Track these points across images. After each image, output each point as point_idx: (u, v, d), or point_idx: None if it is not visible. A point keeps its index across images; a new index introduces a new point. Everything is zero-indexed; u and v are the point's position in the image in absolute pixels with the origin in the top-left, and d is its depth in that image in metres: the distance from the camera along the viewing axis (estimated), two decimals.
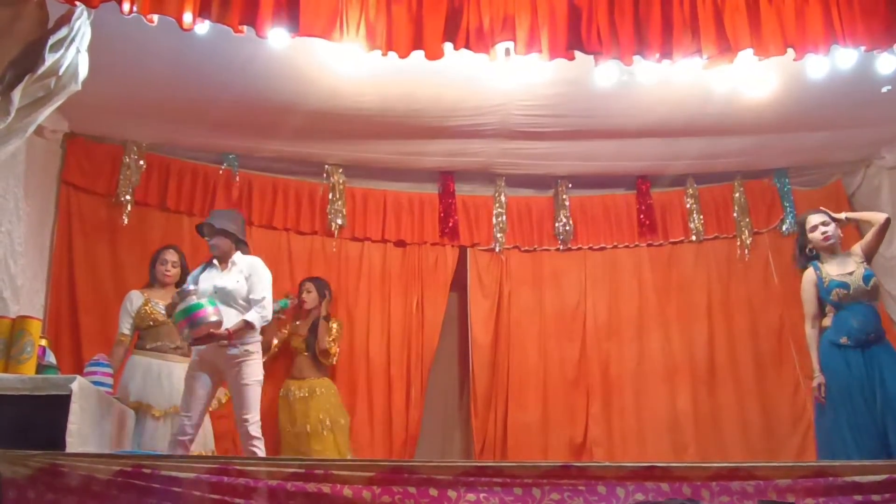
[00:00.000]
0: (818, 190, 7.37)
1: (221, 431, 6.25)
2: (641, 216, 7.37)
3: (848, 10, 4.44)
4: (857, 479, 3.27)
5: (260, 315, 5.07)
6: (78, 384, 3.84)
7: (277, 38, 4.29)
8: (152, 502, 3.27)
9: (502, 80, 5.20)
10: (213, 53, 5.15)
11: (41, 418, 3.73)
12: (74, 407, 3.77)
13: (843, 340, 4.92)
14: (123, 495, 3.27)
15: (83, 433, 3.86)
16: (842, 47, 4.58)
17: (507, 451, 6.73)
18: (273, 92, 5.73)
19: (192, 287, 5.07)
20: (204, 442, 5.56)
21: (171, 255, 5.86)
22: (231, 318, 5.02)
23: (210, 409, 5.41)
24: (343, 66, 5.00)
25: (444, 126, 6.26)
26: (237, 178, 6.91)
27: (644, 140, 6.64)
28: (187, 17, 3.99)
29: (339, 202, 7.07)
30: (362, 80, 5.36)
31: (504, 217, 7.29)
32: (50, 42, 3.88)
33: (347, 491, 3.28)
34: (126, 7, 3.96)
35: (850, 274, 5.03)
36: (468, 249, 7.28)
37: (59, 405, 3.75)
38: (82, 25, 4.07)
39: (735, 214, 7.37)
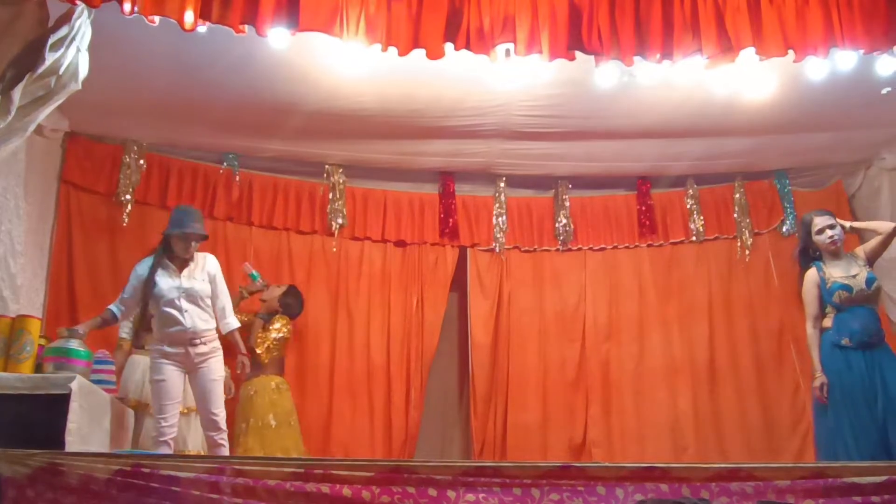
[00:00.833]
0: (818, 191, 7.38)
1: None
2: (642, 217, 7.37)
3: (848, 11, 4.44)
4: (856, 480, 3.26)
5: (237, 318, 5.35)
6: (77, 383, 3.84)
7: (278, 36, 4.30)
8: (151, 502, 3.26)
9: (503, 80, 5.20)
10: (213, 53, 5.15)
11: (40, 417, 3.73)
12: (74, 406, 3.77)
13: (845, 342, 4.92)
14: (122, 495, 3.27)
15: (82, 432, 3.86)
16: (842, 49, 4.58)
17: (506, 452, 6.73)
18: (273, 92, 5.74)
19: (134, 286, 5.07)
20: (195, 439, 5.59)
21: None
22: (197, 317, 5.08)
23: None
24: (343, 67, 5.00)
25: (444, 126, 6.26)
26: (237, 178, 6.91)
27: (644, 141, 6.64)
28: (188, 18, 3.99)
29: (340, 202, 7.07)
30: (363, 81, 5.37)
31: (504, 217, 7.28)
32: (50, 41, 3.88)
33: (347, 491, 3.28)
34: (127, 7, 3.95)
35: (854, 277, 5.02)
36: (468, 250, 7.28)
37: (58, 404, 3.75)
38: (83, 25, 4.07)
39: (735, 215, 7.37)
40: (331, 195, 7.07)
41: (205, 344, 5.09)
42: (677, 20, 4.38)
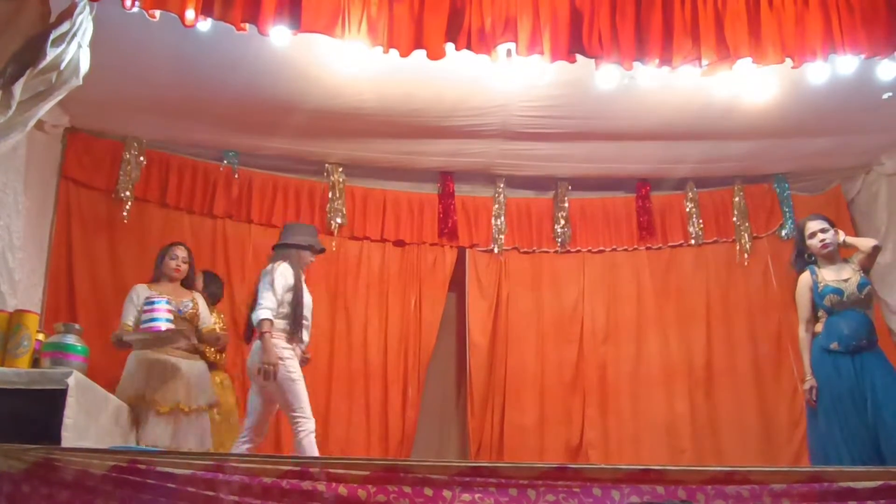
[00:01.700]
0: (817, 196, 7.39)
1: None
2: (641, 219, 7.37)
3: (849, 17, 4.45)
4: (851, 485, 3.26)
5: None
6: (74, 378, 3.84)
7: (279, 35, 4.30)
8: (147, 498, 3.26)
9: (503, 80, 5.21)
10: (214, 50, 5.16)
11: (37, 412, 3.73)
12: (70, 401, 3.77)
13: (834, 346, 4.93)
14: (118, 490, 3.26)
15: (79, 427, 3.86)
16: (842, 55, 4.59)
17: (503, 452, 6.72)
18: (274, 90, 5.74)
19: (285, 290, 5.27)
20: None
21: (182, 252, 5.68)
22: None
23: None
24: (345, 66, 4.99)
25: (444, 126, 6.26)
26: (237, 176, 6.91)
27: (644, 143, 6.65)
28: (189, 14, 4.00)
29: (339, 201, 7.07)
30: (363, 80, 5.38)
31: (503, 218, 7.29)
32: (52, 36, 3.89)
33: (342, 489, 3.28)
34: (128, 2, 3.96)
35: (846, 281, 5.04)
36: (467, 250, 7.28)
37: (55, 399, 3.75)
38: (84, 20, 4.07)
39: (734, 219, 7.37)
40: (330, 194, 7.07)
41: None
42: (677, 25, 4.40)
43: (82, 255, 6.34)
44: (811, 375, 5.00)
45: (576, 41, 4.36)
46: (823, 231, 5.14)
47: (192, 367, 5.46)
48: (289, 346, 5.25)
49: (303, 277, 5.45)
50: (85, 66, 4.19)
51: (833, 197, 7.31)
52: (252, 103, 5.97)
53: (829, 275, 5.08)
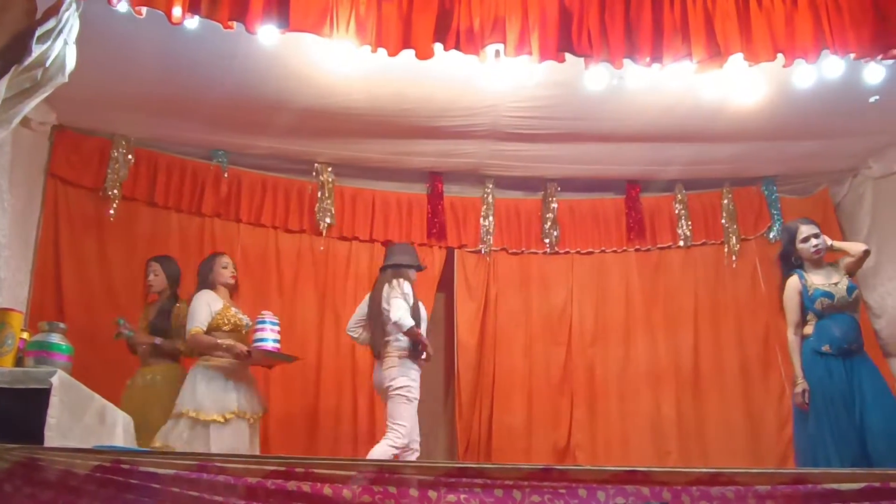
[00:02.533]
0: (805, 198, 7.41)
1: None
2: (630, 221, 7.38)
3: (837, 17, 4.46)
4: (836, 486, 3.26)
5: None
6: (58, 378, 3.81)
7: (267, 34, 4.29)
8: (131, 498, 3.23)
9: (493, 81, 5.19)
10: (203, 48, 5.14)
11: (20, 411, 3.69)
12: (54, 400, 3.73)
13: (826, 348, 4.97)
14: (101, 490, 3.23)
15: (62, 427, 3.82)
16: (831, 54, 4.60)
17: (491, 453, 6.72)
18: (264, 89, 5.72)
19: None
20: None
21: (231, 261, 5.88)
22: None
23: None
24: (334, 65, 4.97)
25: (433, 126, 6.25)
26: (226, 175, 6.89)
27: (633, 145, 6.66)
28: (176, 12, 3.99)
29: (328, 201, 7.06)
30: (353, 79, 5.37)
31: (492, 219, 7.29)
32: (37, 33, 3.84)
33: (328, 489, 3.26)
34: None
35: (835, 284, 5.08)
36: (455, 251, 7.28)
37: (38, 399, 3.71)
38: (70, 17, 4.04)
39: (723, 221, 7.39)
40: (319, 194, 7.06)
41: None
42: (667, 24, 4.40)
43: (69, 253, 6.30)
44: (803, 378, 5.03)
45: (565, 41, 4.36)
46: (816, 237, 5.18)
47: (250, 377, 5.69)
48: (416, 366, 5.73)
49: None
50: (71, 63, 4.15)
51: (821, 200, 7.34)
52: (241, 102, 5.95)
53: (818, 279, 5.12)
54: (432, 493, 3.27)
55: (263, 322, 5.57)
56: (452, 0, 4.30)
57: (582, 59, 4.55)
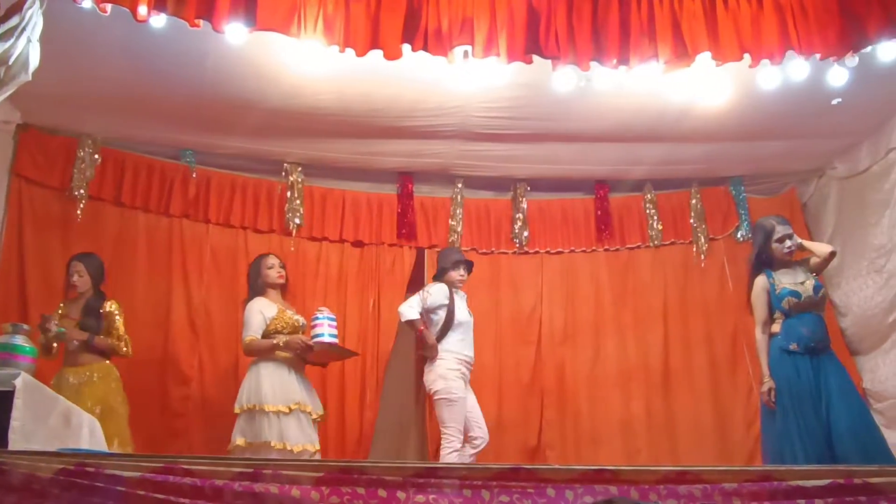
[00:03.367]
0: (772, 198, 7.48)
1: (177, 429, 6.35)
2: (599, 221, 7.41)
3: (802, 18, 4.51)
4: (801, 483, 3.30)
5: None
6: (22, 380, 3.76)
7: (235, 32, 4.27)
8: (96, 501, 3.20)
9: (461, 82, 5.20)
10: (170, 47, 5.10)
11: None
12: (17, 403, 3.68)
13: (793, 347, 5.02)
14: (65, 494, 3.20)
15: (26, 430, 3.77)
16: (797, 55, 4.65)
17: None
18: (232, 88, 5.69)
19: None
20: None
21: (277, 261, 6.02)
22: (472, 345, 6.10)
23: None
24: (302, 65, 4.97)
25: (402, 126, 6.24)
26: (195, 175, 6.83)
27: (602, 145, 6.69)
28: (142, 9, 3.96)
29: (298, 201, 7.02)
30: (322, 79, 5.35)
31: (461, 218, 7.29)
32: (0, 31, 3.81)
33: (295, 491, 3.24)
34: None
35: (802, 283, 5.14)
36: (425, 251, 7.26)
37: (1, 401, 3.66)
38: (34, 15, 3.99)
39: (692, 221, 7.44)
40: (289, 194, 7.02)
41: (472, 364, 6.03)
42: (634, 25, 4.43)
43: (34, 254, 6.22)
44: (769, 377, 5.08)
45: (532, 42, 4.38)
46: (790, 237, 5.22)
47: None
48: (455, 367, 5.88)
49: (458, 296, 6.13)
50: (35, 61, 4.11)
51: (787, 200, 7.41)
52: (209, 101, 5.91)
53: (786, 278, 5.17)
54: (401, 494, 3.27)
55: (320, 318, 5.68)
56: (421, 1, 4.30)
57: (549, 60, 4.57)
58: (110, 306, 5.70)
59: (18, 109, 6.02)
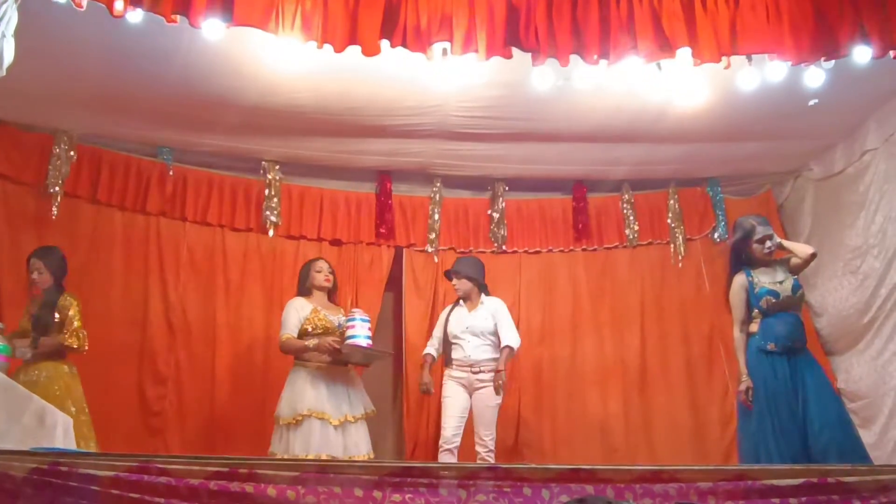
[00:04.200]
0: (749, 199, 7.53)
1: (153, 428, 6.35)
2: (577, 221, 7.44)
3: (778, 21, 4.53)
4: (774, 482, 3.33)
5: (516, 341, 6.19)
6: None
7: (212, 28, 4.24)
8: (69, 501, 3.17)
9: (440, 80, 5.18)
10: (146, 43, 5.04)
11: None
12: None
13: (771, 346, 5.04)
14: (39, 493, 3.17)
15: None
16: (774, 58, 4.68)
17: (438, 452, 6.71)
18: (209, 85, 5.64)
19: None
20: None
21: (326, 264, 6.14)
22: (478, 350, 6.14)
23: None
24: (281, 62, 4.93)
25: (381, 125, 6.23)
26: (171, 172, 6.78)
27: (580, 145, 6.70)
28: (118, 4, 3.92)
29: (275, 199, 7.00)
30: (300, 77, 5.31)
31: (439, 218, 7.29)
32: None
33: (272, 490, 3.23)
34: None
35: (780, 283, 5.16)
36: (404, 250, 7.26)
37: None
38: (8, 9, 3.94)
39: (669, 221, 7.48)
40: (266, 192, 6.99)
41: (484, 372, 6.09)
42: (613, 22, 4.43)
43: (8, 251, 6.14)
44: (747, 376, 5.09)
45: (512, 36, 4.38)
46: (771, 238, 5.23)
47: (350, 378, 5.88)
48: (456, 375, 6.17)
49: (459, 308, 6.34)
50: (9, 56, 4.06)
51: (764, 201, 7.47)
52: (186, 98, 5.86)
53: (765, 277, 5.18)
54: (377, 493, 3.26)
55: (353, 319, 5.74)
56: None
57: (529, 61, 4.57)
58: (65, 299, 5.53)
59: None
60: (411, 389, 6.89)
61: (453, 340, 6.22)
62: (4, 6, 3.89)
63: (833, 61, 4.82)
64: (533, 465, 3.58)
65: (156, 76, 5.54)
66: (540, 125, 6.28)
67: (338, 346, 5.68)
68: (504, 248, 7.38)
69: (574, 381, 7.12)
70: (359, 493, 3.25)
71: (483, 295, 6.33)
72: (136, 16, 4.26)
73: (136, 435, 6.23)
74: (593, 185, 7.52)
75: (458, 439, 6.07)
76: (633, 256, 7.49)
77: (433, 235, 7.24)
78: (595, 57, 4.48)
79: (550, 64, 4.60)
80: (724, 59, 4.62)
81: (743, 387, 5.10)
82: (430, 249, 7.26)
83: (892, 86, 5.82)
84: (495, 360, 6.11)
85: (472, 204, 7.46)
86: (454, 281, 6.33)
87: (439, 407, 6.83)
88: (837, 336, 6.77)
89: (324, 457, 5.47)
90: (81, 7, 4.04)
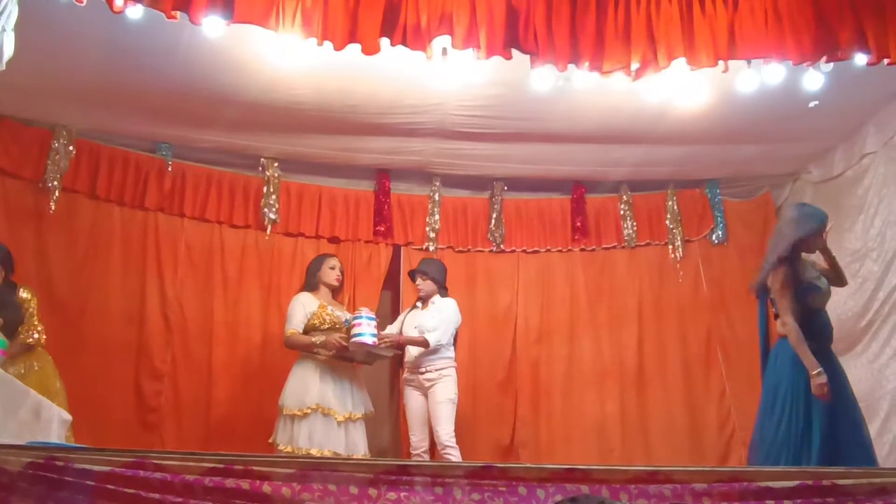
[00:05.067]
0: (748, 201, 7.54)
1: (150, 424, 6.34)
2: (575, 221, 7.44)
3: (777, 23, 4.54)
4: (770, 484, 3.33)
5: (434, 339, 6.01)
6: None
7: (212, 25, 4.24)
8: (65, 496, 3.17)
9: (440, 79, 5.21)
10: (147, 38, 5.05)
11: None
12: None
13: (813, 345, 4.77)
14: (34, 488, 3.16)
15: None
16: (773, 60, 4.69)
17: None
18: (209, 82, 5.64)
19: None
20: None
21: (339, 263, 6.17)
22: (420, 350, 6.08)
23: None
24: (281, 59, 4.94)
25: (380, 123, 6.23)
26: (170, 168, 6.77)
27: (579, 146, 6.71)
28: (118, 0, 3.91)
29: (274, 196, 6.99)
30: (300, 74, 5.33)
31: (438, 217, 7.29)
32: None
33: (267, 487, 3.23)
34: None
35: (818, 278, 4.88)
36: (402, 248, 7.27)
37: None
38: (9, 4, 3.94)
39: (667, 222, 7.48)
40: (265, 189, 6.99)
41: (430, 371, 6.06)
42: (609, 29, 4.44)
43: (7, 246, 6.13)
44: (820, 369, 4.60)
45: (511, 38, 4.39)
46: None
47: (355, 375, 5.90)
48: (407, 377, 6.26)
49: (411, 313, 6.29)
50: (9, 50, 4.05)
51: (763, 203, 7.48)
52: (186, 94, 5.85)
53: (808, 273, 4.87)
54: (372, 491, 3.26)
55: (360, 317, 5.75)
56: None
57: (528, 60, 4.57)
58: (23, 292, 5.43)
59: None
60: None
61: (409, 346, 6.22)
62: (4, 1, 3.89)
63: (832, 64, 4.82)
64: (528, 465, 3.58)
65: (156, 72, 5.54)
66: (539, 125, 6.28)
67: (345, 343, 5.68)
68: (502, 247, 7.38)
69: (571, 382, 7.12)
70: (354, 490, 3.25)
71: (438, 296, 6.29)
72: (136, 12, 4.26)
73: (132, 430, 6.23)
74: (592, 186, 7.52)
75: (426, 443, 6.12)
76: (632, 257, 7.49)
77: (433, 234, 7.24)
78: (587, 66, 4.50)
79: (549, 65, 4.60)
80: (721, 63, 4.62)
81: (822, 379, 4.55)
82: (429, 248, 7.24)
83: (891, 89, 5.83)
84: (443, 359, 6.12)
85: (471, 203, 7.46)
86: (419, 281, 6.29)
87: None
88: (835, 339, 6.72)
89: (327, 453, 5.49)
90: (82, 2, 4.05)
